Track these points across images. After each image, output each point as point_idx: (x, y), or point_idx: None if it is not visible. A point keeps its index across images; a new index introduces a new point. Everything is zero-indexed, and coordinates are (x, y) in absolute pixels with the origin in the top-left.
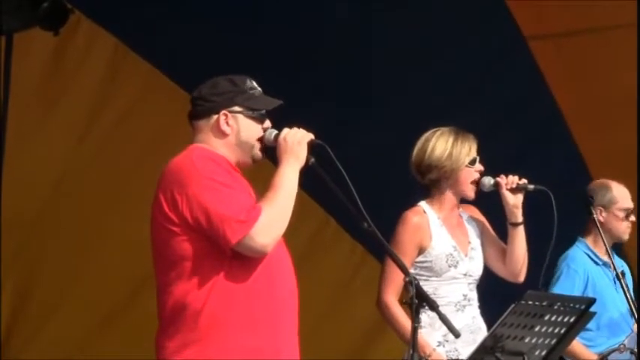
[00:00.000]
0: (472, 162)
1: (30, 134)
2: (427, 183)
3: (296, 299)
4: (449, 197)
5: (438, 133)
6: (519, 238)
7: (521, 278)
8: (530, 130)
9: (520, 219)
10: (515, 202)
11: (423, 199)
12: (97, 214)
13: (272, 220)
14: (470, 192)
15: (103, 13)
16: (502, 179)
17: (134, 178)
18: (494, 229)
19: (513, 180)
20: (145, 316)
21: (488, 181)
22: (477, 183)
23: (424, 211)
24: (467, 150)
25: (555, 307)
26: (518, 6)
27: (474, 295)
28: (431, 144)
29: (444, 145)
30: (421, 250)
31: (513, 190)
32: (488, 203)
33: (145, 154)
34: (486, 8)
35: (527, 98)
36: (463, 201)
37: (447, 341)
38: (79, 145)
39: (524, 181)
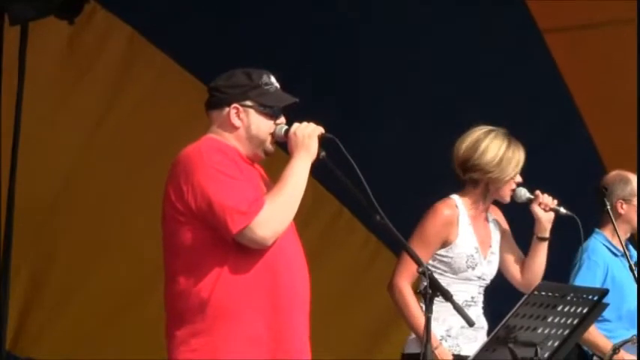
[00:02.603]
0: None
1: (44, 123)
2: (466, 179)
3: (306, 289)
4: (483, 198)
5: (492, 134)
6: (543, 252)
7: None
8: (545, 124)
9: (548, 234)
10: (548, 217)
11: (454, 192)
12: (110, 204)
13: (274, 213)
14: (506, 198)
15: (118, 2)
16: (538, 197)
17: (148, 168)
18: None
19: (547, 203)
20: (159, 307)
21: (523, 193)
22: (512, 191)
23: (456, 205)
24: (516, 162)
25: (568, 297)
26: None
27: (480, 298)
28: (483, 145)
29: (496, 151)
30: (445, 244)
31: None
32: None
33: (160, 143)
34: (502, 2)
35: (543, 92)
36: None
37: (450, 336)
38: (94, 134)
39: (555, 202)
